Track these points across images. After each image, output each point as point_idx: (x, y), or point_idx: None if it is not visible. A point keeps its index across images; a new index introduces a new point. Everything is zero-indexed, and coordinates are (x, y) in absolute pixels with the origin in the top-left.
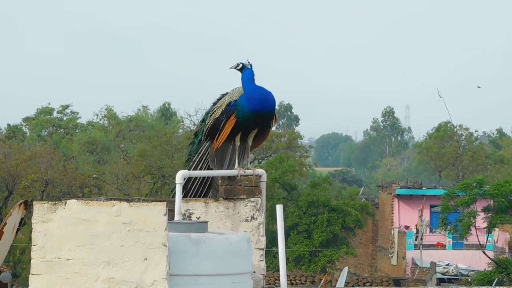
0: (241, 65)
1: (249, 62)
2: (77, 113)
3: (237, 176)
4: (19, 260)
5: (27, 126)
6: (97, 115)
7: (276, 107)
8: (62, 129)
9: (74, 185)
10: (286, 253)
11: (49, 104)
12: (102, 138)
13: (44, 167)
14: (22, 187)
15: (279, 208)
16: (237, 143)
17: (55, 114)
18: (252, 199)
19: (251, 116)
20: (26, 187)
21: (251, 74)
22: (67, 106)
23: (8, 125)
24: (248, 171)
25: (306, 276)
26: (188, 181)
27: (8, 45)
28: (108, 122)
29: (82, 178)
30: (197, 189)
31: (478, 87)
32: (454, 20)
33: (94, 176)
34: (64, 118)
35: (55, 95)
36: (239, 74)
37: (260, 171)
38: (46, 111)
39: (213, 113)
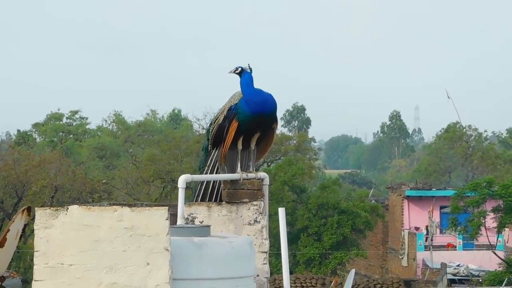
0: (240, 69)
1: (249, 66)
2: (86, 119)
3: (240, 179)
4: (30, 266)
5: (36, 132)
6: (105, 120)
7: (290, 108)
8: (72, 135)
9: (83, 190)
10: (296, 256)
11: (58, 109)
12: (111, 143)
13: (53, 173)
14: (32, 193)
15: (281, 211)
16: (239, 147)
17: (64, 120)
18: (255, 202)
19: (252, 119)
20: (36, 193)
21: (250, 78)
22: (76, 112)
23: (18, 131)
24: (251, 175)
25: (317, 279)
26: (207, 187)
27: (17, 54)
28: (117, 127)
29: (91, 183)
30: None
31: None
32: (462, 19)
33: (103, 181)
34: (74, 124)
35: (64, 102)
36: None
37: (262, 174)
38: (55, 117)
39: (216, 119)
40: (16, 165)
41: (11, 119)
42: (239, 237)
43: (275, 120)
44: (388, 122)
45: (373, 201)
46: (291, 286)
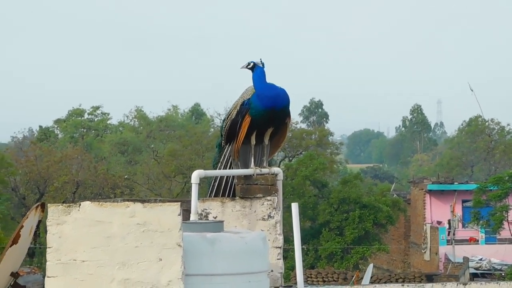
0: (252, 64)
1: (261, 61)
2: (108, 114)
3: (253, 175)
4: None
5: (58, 128)
6: (127, 116)
7: (307, 104)
8: (93, 131)
9: (105, 186)
10: (318, 250)
11: (80, 105)
12: (133, 138)
13: (75, 168)
14: (54, 189)
15: (294, 207)
16: (253, 142)
17: (86, 116)
18: (268, 197)
19: (265, 113)
20: (58, 189)
21: (262, 72)
22: (97, 108)
23: (40, 127)
24: (264, 170)
25: (339, 273)
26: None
27: (40, 50)
28: (138, 123)
29: (113, 179)
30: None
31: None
32: (484, 13)
33: (125, 177)
34: (95, 120)
35: (86, 99)
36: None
37: (276, 169)
38: (77, 113)
39: (229, 115)
40: (38, 161)
41: (34, 115)
42: (252, 233)
43: (288, 114)
44: (410, 116)
45: (395, 195)
46: (311, 281)
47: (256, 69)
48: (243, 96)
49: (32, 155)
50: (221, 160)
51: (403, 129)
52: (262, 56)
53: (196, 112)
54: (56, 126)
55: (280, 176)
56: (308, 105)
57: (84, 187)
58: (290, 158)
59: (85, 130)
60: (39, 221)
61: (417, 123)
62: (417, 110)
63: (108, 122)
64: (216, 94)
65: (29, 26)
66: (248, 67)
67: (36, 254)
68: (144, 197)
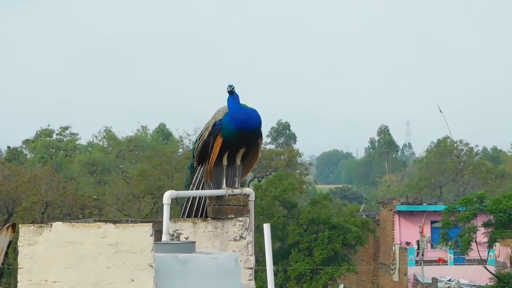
0: (232, 88)
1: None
2: (77, 134)
3: (225, 195)
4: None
5: (26, 148)
6: (96, 136)
7: (275, 125)
8: (62, 151)
9: (74, 206)
10: (287, 271)
11: (48, 126)
12: (102, 159)
13: (44, 189)
14: (22, 209)
15: (266, 227)
16: (224, 162)
17: (54, 136)
18: (240, 218)
19: (237, 134)
20: (26, 209)
21: (237, 97)
22: (66, 128)
23: (8, 147)
24: (236, 191)
25: None
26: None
27: (6, 70)
28: (107, 143)
29: (82, 199)
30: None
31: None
32: (454, 36)
33: (94, 197)
34: (64, 140)
35: (54, 118)
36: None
37: (248, 190)
38: (45, 133)
39: (201, 136)
40: (6, 181)
41: (1, 135)
42: (224, 253)
43: (260, 135)
44: (377, 137)
45: (364, 216)
46: None
47: (234, 94)
48: (215, 117)
49: (1, 175)
50: (193, 181)
51: (371, 150)
52: (227, 76)
53: (162, 133)
54: (24, 146)
55: (252, 197)
56: (276, 126)
57: (53, 207)
58: (260, 179)
59: (54, 151)
60: (10, 242)
61: (384, 144)
62: (384, 131)
63: (77, 142)
64: (185, 114)
65: None
66: (229, 90)
67: (5, 275)
68: (113, 218)
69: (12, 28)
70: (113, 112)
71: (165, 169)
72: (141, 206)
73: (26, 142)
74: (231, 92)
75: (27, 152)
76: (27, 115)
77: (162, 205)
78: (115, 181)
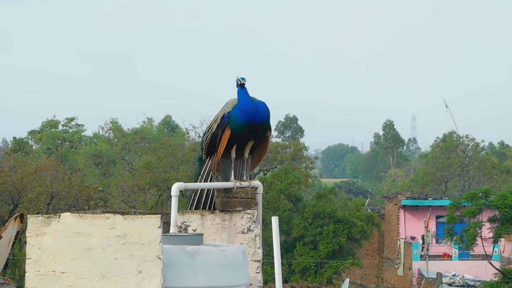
0: (243, 82)
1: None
2: (83, 126)
3: (233, 188)
4: (25, 273)
5: (32, 139)
6: (102, 128)
7: (282, 119)
8: (68, 142)
9: (79, 198)
10: (291, 265)
11: (54, 117)
12: (108, 150)
13: (49, 180)
14: (28, 200)
15: (274, 220)
16: (233, 155)
17: (60, 127)
18: (248, 211)
19: (245, 127)
20: (32, 200)
21: (246, 90)
22: (72, 119)
23: (14, 138)
24: (244, 183)
25: None
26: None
27: (14, 62)
28: (113, 135)
29: (87, 191)
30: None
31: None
32: (460, 31)
33: (99, 189)
34: (69, 131)
35: (60, 110)
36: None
37: (256, 183)
38: (51, 124)
39: (210, 128)
40: (12, 172)
41: (8, 126)
42: (232, 246)
43: (268, 128)
44: (382, 132)
45: (369, 210)
46: None
47: (244, 87)
48: (224, 109)
49: (6, 166)
50: (201, 173)
51: (375, 145)
52: (233, 71)
53: (168, 125)
54: (30, 137)
55: (260, 190)
56: (283, 120)
57: (58, 198)
58: (265, 172)
59: (59, 142)
60: (18, 232)
61: (389, 139)
62: (389, 126)
63: (83, 133)
64: (192, 107)
65: (1, 37)
66: (240, 82)
67: (10, 265)
68: (118, 209)
69: (21, 23)
70: (119, 106)
71: (171, 162)
72: (146, 198)
73: (31, 133)
74: (242, 85)
75: (33, 143)
76: (33, 108)
77: (167, 197)
78: (120, 173)
